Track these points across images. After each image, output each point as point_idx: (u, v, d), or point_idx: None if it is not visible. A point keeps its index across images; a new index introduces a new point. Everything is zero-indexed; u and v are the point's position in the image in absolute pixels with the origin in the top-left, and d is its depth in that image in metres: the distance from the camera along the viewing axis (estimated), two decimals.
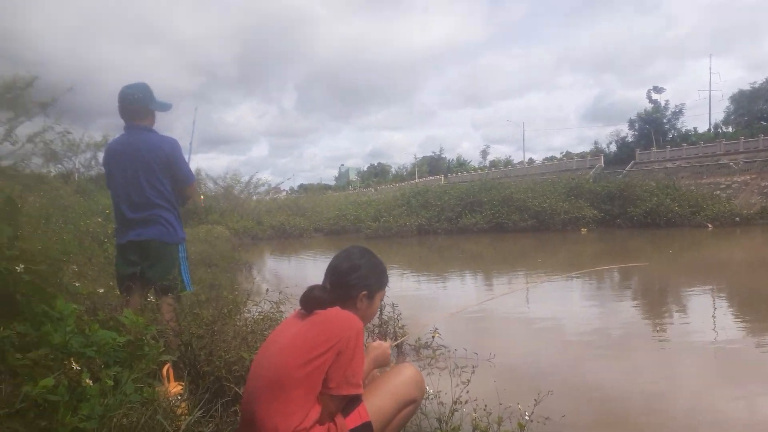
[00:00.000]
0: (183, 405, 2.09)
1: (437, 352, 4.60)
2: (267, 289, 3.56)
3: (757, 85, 45.65)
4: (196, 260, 8.13)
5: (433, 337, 4.59)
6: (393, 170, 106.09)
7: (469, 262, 13.12)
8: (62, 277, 2.55)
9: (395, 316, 4.80)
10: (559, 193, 21.94)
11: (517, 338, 5.49)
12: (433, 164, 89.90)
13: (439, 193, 24.02)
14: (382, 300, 2.14)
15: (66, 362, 1.71)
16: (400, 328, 4.80)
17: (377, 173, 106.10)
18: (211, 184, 28.47)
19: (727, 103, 52.02)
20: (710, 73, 71.85)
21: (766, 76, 52.33)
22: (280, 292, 3.38)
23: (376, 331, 4.67)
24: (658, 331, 5.51)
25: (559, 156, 66.64)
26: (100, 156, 16.88)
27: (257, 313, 3.23)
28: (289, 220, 24.78)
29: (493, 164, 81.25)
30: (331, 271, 2.03)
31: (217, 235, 14.70)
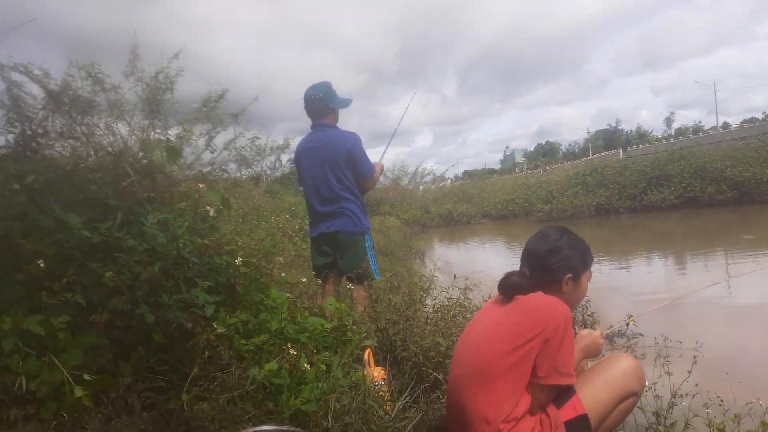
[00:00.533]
0: (386, 390, 2.14)
1: (633, 341, 4.24)
2: (455, 276, 3.54)
3: None
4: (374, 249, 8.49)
5: (627, 324, 4.25)
6: (563, 148, 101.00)
7: (658, 241, 11.90)
8: (272, 268, 2.79)
9: (583, 303, 4.51)
10: (764, 159, 18.87)
11: (721, 327, 4.78)
12: (609, 138, 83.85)
13: (619, 169, 22.01)
14: (589, 281, 1.98)
15: (284, 347, 1.84)
16: (589, 315, 4.51)
17: (545, 152, 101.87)
18: (381, 177, 29.67)
19: None
20: None
21: None
22: (466, 279, 3.33)
23: None
24: None
25: (761, 117, 57.92)
26: (284, 158, 18.46)
27: (445, 299, 3.22)
28: (455, 208, 24.74)
29: (680, 132, 73.31)
30: (528, 255, 1.92)
31: (390, 226, 15.24)
